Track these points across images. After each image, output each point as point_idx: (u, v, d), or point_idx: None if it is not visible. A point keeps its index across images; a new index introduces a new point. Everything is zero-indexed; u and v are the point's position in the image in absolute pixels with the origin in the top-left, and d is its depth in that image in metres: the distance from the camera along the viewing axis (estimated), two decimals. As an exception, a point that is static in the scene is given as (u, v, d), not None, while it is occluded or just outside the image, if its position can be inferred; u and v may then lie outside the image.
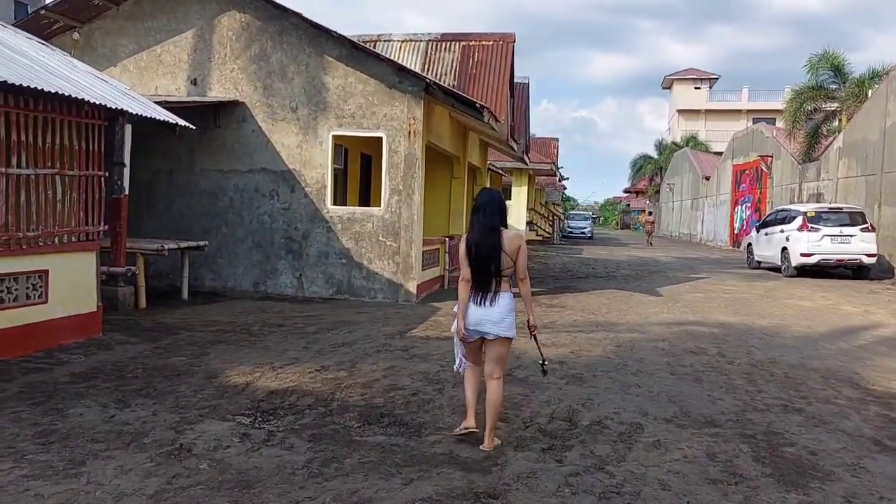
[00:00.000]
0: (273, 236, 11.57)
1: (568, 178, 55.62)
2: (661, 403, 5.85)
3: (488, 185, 20.38)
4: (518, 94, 14.93)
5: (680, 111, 61.85)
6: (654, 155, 58.59)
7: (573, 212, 57.98)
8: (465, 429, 4.63)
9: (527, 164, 19.04)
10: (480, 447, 4.52)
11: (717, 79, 62.90)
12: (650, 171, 58.46)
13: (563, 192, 65.17)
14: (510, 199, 30.80)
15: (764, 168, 28.87)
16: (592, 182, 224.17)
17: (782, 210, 19.09)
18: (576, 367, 7.09)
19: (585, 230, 42.59)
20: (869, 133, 19.39)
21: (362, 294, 11.34)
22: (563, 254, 26.51)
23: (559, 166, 35.57)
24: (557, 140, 32.85)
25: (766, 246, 19.10)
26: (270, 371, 6.42)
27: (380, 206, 11.40)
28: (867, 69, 22.58)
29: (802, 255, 16.89)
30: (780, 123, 36.05)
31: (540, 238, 34.11)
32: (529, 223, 32.69)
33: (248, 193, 11.64)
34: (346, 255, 11.36)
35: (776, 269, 19.02)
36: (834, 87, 23.56)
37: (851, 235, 16.63)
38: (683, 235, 45.34)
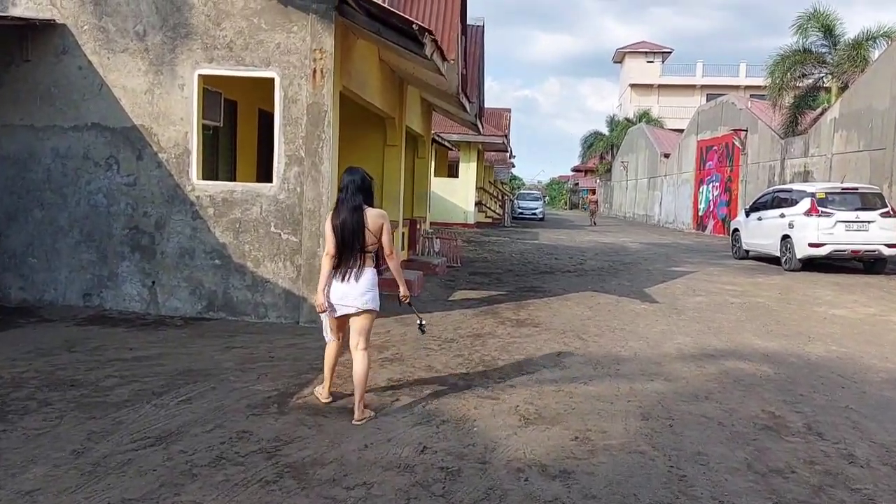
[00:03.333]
0: (112, 225, 7.81)
1: (515, 157, 52.52)
2: None
3: (430, 158, 16.95)
4: (471, 38, 11.46)
5: (632, 86, 59.28)
6: (606, 132, 56.01)
7: (523, 191, 54.93)
8: (318, 395, 4.97)
9: (480, 131, 15.61)
10: (352, 421, 4.56)
11: (670, 53, 60.57)
12: (601, 148, 55.87)
13: (511, 171, 62.17)
14: (457, 176, 27.43)
15: (737, 143, 26.16)
16: (535, 162, 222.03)
17: (782, 190, 16.14)
18: (595, 489, 3.70)
19: (537, 211, 39.56)
20: (875, 101, 16.62)
21: (246, 311, 7.72)
22: (517, 239, 23.22)
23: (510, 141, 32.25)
24: (510, 111, 29.46)
25: (759, 232, 16.17)
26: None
27: (272, 181, 7.75)
28: (861, 30, 19.83)
29: (811, 245, 13.96)
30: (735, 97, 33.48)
31: (490, 220, 30.80)
32: (478, 203, 29.34)
33: (75, 161, 7.84)
34: (221, 254, 7.70)
35: (770, 260, 16.15)
36: (824, 50, 20.78)
37: (870, 221, 13.77)
38: (639, 217, 42.84)
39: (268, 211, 7.66)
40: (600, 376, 6.06)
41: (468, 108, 11.28)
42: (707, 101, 42.65)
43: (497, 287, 11.50)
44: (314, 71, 7.47)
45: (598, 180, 61.93)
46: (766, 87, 23.22)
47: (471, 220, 27.22)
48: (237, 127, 10.14)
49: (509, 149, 32.88)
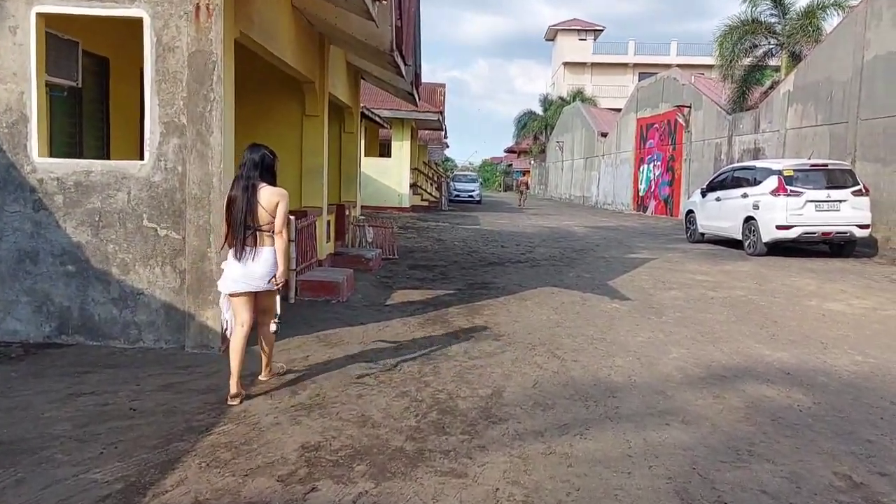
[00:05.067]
0: (-82, 221, 5.68)
1: (448, 137, 50.74)
2: None
3: (360, 134, 15.11)
4: (404, -12, 9.63)
5: (566, 64, 58.32)
6: (539, 111, 54.88)
7: (458, 173, 53.34)
8: (233, 397, 4.46)
9: (417, 103, 13.75)
10: (259, 377, 4.87)
11: (602, 31, 59.82)
12: (536, 129, 54.74)
13: (445, 152, 60.40)
14: (390, 155, 25.52)
15: (680, 120, 25.15)
16: (466, 143, 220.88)
17: (742, 168, 14.96)
18: None
19: (474, 193, 37.98)
20: (834, 72, 15.62)
21: (112, 333, 5.75)
22: (457, 224, 21.54)
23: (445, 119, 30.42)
24: (444, 86, 27.64)
25: (718, 214, 14.99)
26: None
27: (143, 158, 5.76)
28: (811, -1, 18.88)
29: (779, 227, 12.79)
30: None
31: (426, 203, 29.02)
32: (413, 185, 27.50)
33: None
34: (75, 258, 5.69)
35: (728, 244, 15.02)
36: (774, 20, 19.78)
37: (841, 200, 12.69)
38: (576, 198, 41.89)
39: (138, 198, 5.68)
40: (598, 420, 4.43)
41: (403, 72, 9.44)
42: (640, 79, 41.93)
43: (443, 284, 9.79)
44: (197, 7, 5.51)
45: (532, 161, 60.97)
46: (699, 65, 22.31)
47: (406, 204, 25.41)
48: (109, 90, 7.99)
49: (444, 127, 31.13)
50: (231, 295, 4.58)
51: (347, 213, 11.58)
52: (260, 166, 4.54)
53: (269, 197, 4.50)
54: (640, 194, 30.22)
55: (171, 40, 5.61)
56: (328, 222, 10.12)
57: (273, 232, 4.53)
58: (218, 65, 5.57)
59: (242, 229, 4.46)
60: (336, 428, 4.14)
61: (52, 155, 6.35)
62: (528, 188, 45.53)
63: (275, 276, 4.55)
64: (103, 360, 5.38)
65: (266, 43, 6.77)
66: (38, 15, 5.62)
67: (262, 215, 4.48)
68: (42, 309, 5.72)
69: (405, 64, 9.41)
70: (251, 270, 4.49)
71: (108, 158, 7.74)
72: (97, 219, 5.67)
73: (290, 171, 9.30)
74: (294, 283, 7.70)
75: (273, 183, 4.61)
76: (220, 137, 5.59)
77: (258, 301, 4.64)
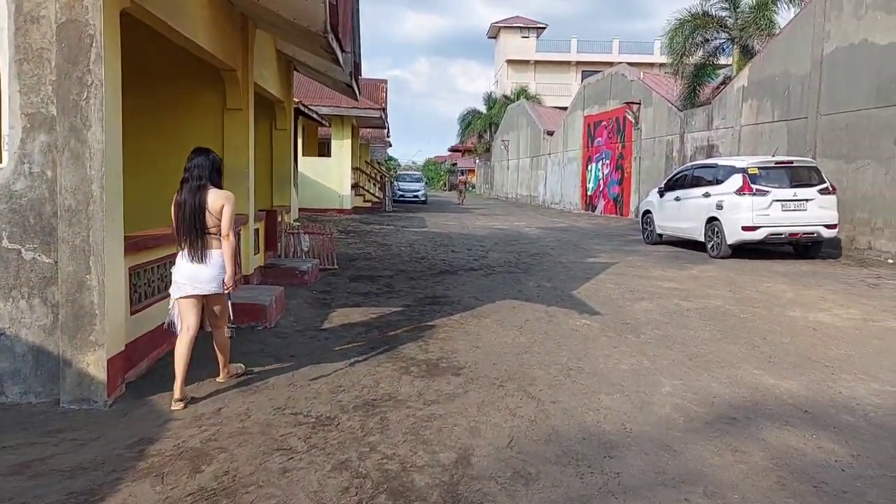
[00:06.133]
0: None
1: (391, 135, 49.46)
2: None
3: (293, 130, 13.86)
4: (340, -35, 8.48)
5: (509, 61, 57.74)
6: (483, 109, 54.10)
7: (402, 172, 52.12)
8: (176, 401, 4.44)
9: (357, 96, 12.51)
10: (216, 379, 4.90)
11: (545, 28, 59.49)
12: (480, 127, 53.93)
13: (388, 151, 59.10)
14: (329, 155, 24.20)
15: (629, 117, 24.56)
16: (408, 142, 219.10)
17: (703, 166, 14.25)
18: None
19: (419, 193, 36.82)
20: (792, 65, 15.10)
21: (-38, 388, 4.43)
22: (403, 227, 20.36)
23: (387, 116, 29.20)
24: (386, 83, 26.38)
25: (677, 214, 14.27)
26: None
27: (1, 160, 4.46)
28: (766, -9, 18.45)
29: (745, 228, 12.09)
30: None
31: (369, 204, 27.74)
32: (355, 186, 26.19)
33: None
34: None
35: (688, 245, 14.34)
36: (725, 13, 19.29)
37: (808, 199, 12.07)
38: (522, 197, 41.23)
39: (-7, 212, 4.38)
40: (599, 497, 3.39)
41: (341, 60, 8.26)
42: (583, 77, 41.56)
43: (389, 299, 8.65)
44: (66, -37, 4.24)
45: (477, 160, 60.21)
46: (641, 63, 21.91)
47: (347, 206, 24.10)
48: None
49: (387, 125, 29.91)
50: (179, 298, 4.56)
51: (280, 219, 10.32)
52: (209, 169, 4.56)
53: (215, 200, 4.55)
54: (589, 193, 29.64)
55: (34, 8, 4.33)
56: (256, 231, 8.87)
57: (220, 235, 4.56)
58: (97, 39, 4.32)
59: (192, 232, 4.49)
60: (248, 531, 2.99)
61: None
62: (467, 186, 44.93)
63: (224, 279, 4.59)
64: (-56, 427, 4.07)
65: (167, 18, 5.51)
66: None
67: (209, 218, 4.53)
68: None
69: (342, 50, 8.24)
70: (199, 274, 4.52)
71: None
72: (-62, 239, 4.34)
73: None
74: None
75: (220, 186, 4.65)
76: (100, 133, 4.33)
77: (208, 304, 4.69)
